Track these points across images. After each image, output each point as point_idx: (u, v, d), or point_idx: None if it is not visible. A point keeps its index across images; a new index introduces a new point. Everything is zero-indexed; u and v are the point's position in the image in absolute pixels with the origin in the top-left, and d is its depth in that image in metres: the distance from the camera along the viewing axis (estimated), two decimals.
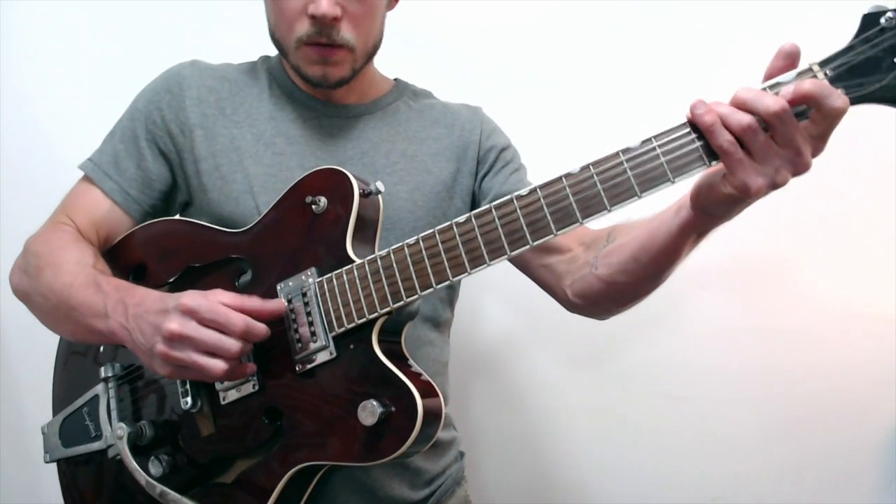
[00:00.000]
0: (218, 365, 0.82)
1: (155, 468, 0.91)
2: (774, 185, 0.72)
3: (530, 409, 1.58)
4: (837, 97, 0.67)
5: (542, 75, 1.56)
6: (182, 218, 1.06)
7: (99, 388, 1.00)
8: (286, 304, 0.89)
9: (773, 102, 0.68)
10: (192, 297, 0.83)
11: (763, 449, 1.46)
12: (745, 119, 0.70)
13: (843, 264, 1.43)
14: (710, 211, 0.78)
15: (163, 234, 1.03)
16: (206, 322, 0.82)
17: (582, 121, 1.51)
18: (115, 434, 0.92)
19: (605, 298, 0.99)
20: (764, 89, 0.72)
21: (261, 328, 0.86)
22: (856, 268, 1.43)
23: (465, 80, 1.46)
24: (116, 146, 1.08)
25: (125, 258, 1.04)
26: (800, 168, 0.72)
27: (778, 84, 0.72)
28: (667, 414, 1.50)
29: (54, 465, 1.06)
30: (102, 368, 0.97)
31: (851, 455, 1.45)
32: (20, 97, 1.64)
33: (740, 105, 0.70)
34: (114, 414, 0.96)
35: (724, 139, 0.70)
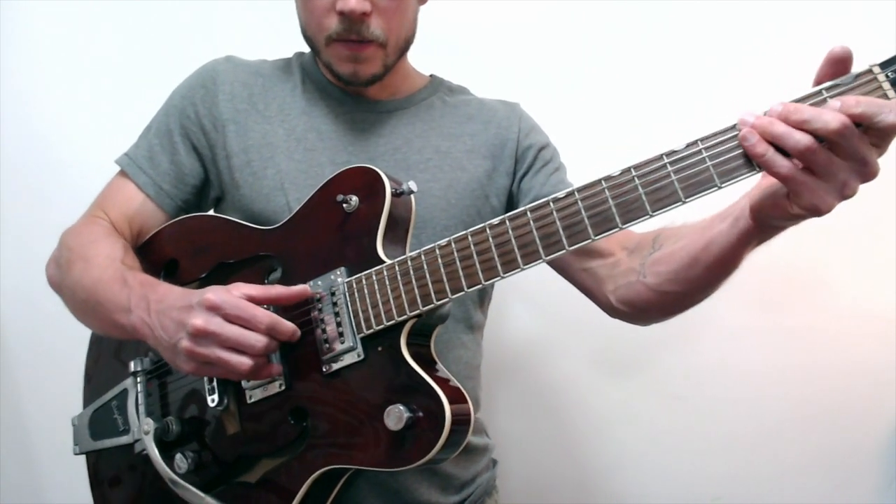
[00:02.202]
0: (243, 361, 0.81)
1: (180, 464, 0.90)
2: (844, 197, 0.67)
3: (527, 408, 1.56)
4: (889, 112, 0.62)
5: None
6: (214, 214, 1.05)
7: (128, 381, 0.99)
8: (309, 288, 0.87)
9: (832, 119, 0.63)
10: (216, 293, 0.82)
11: (763, 449, 1.46)
12: (802, 140, 0.65)
13: (843, 265, 1.42)
14: (773, 224, 0.75)
15: (195, 230, 1.03)
16: (230, 318, 0.81)
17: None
18: (141, 429, 0.92)
19: (653, 308, 0.96)
20: (819, 92, 0.67)
21: (286, 325, 0.85)
22: (856, 268, 1.42)
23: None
24: (151, 141, 1.08)
25: (157, 253, 1.04)
26: (868, 175, 0.67)
27: (836, 86, 0.67)
28: (667, 414, 1.50)
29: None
30: (132, 363, 0.97)
31: (851, 455, 1.44)
32: (20, 97, 1.64)
33: (797, 126, 0.65)
34: (141, 409, 0.96)
35: (781, 166, 0.66)
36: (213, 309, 0.81)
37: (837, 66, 0.68)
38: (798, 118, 0.65)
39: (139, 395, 0.96)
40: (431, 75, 1.19)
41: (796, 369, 1.44)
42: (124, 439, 0.98)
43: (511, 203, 1.12)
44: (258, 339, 0.82)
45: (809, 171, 0.66)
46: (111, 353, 1.06)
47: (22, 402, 1.63)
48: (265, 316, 0.82)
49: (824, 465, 1.45)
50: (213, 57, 1.13)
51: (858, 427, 1.44)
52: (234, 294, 0.83)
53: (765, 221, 0.74)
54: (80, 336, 1.10)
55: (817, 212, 0.67)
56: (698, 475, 1.48)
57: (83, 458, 1.06)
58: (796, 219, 0.71)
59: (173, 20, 1.64)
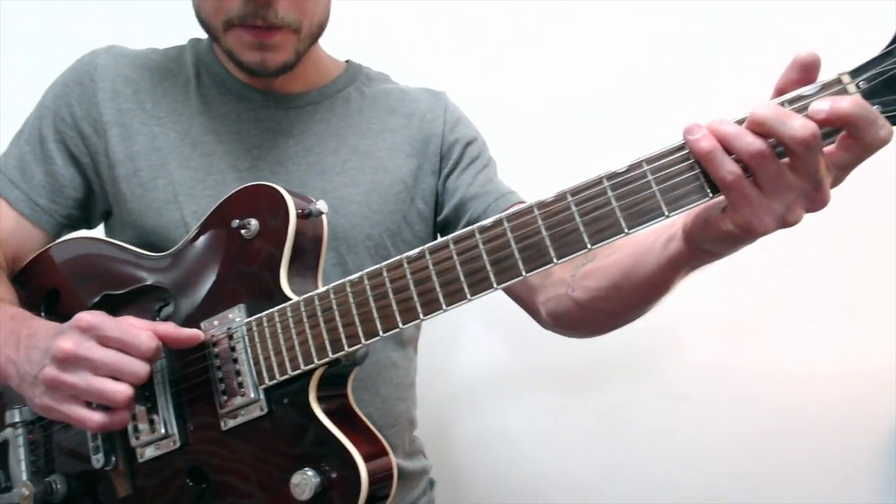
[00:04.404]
0: (119, 389, 0.69)
1: None
2: (784, 224, 0.58)
3: (525, 409, 1.51)
4: (882, 125, 0.53)
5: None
6: (96, 237, 0.91)
7: (8, 432, 0.87)
8: (202, 333, 0.76)
9: (800, 126, 0.53)
10: (94, 314, 0.70)
11: (763, 449, 1.44)
12: (755, 144, 0.56)
13: (843, 263, 1.39)
14: (705, 248, 0.64)
15: (77, 255, 0.89)
16: (108, 341, 0.69)
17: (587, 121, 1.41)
18: (20, 493, 0.80)
19: (582, 324, 0.87)
20: (781, 104, 0.58)
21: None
22: (856, 267, 1.39)
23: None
24: (23, 149, 0.94)
25: (37, 282, 0.91)
26: (817, 204, 0.58)
27: (800, 98, 0.57)
28: (667, 414, 1.47)
29: None
30: (8, 413, 0.85)
31: (851, 455, 1.43)
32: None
33: (756, 126, 0.56)
34: (22, 465, 0.83)
35: (727, 170, 0.56)
36: (89, 330, 0.69)
37: (802, 73, 0.58)
38: (758, 118, 0.55)
39: (21, 449, 0.84)
40: (348, 61, 1.05)
41: (796, 369, 1.41)
42: (6, 498, 0.86)
43: (438, 206, 1.01)
44: (141, 366, 0.70)
45: (755, 184, 0.57)
46: None
47: None
48: (150, 338, 0.70)
49: (824, 465, 1.42)
50: None
51: (858, 427, 1.41)
52: (118, 318, 0.72)
53: (696, 244, 0.64)
54: None
55: (751, 230, 0.58)
56: (698, 475, 1.46)
57: None
58: (727, 240, 0.61)
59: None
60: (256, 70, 0.88)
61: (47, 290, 0.89)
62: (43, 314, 0.89)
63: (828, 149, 0.57)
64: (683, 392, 1.45)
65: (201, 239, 0.81)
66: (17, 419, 0.84)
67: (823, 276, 1.39)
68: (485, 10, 1.45)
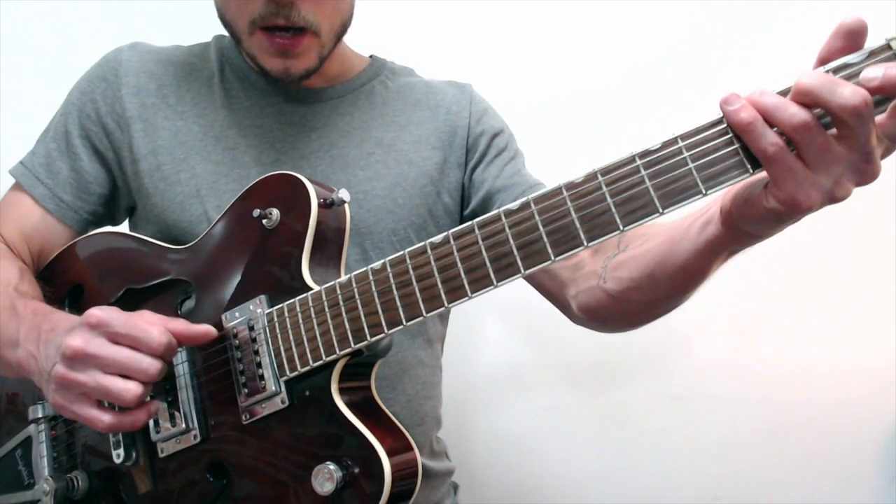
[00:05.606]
0: (128, 388, 0.67)
1: None
2: (832, 199, 0.54)
3: (527, 408, 1.50)
4: None
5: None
6: (118, 231, 0.91)
7: (31, 428, 0.86)
8: (215, 330, 0.74)
9: (851, 94, 0.50)
10: (104, 309, 0.68)
11: (763, 449, 1.43)
12: (798, 115, 0.52)
13: (843, 265, 1.38)
14: (746, 229, 0.60)
15: (100, 251, 0.88)
16: (118, 338, 0.67)
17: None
18: (41, 489, 0.79)
19: (615, 317, 0.83)
20: (826, 73, 0.54)
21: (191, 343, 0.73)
22: (856, 267, 1.37)
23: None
24: (49, 146, 0.94)
25: (61, 277, 0.90)
26: (867, 177, 0.54)
27: (846, 66, 0.54)
28: (667, 414, 1.46)
29: None
30: (31, 408, 0.84)
31: (851, 455, 1.43)
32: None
33: (802, 96, 0.52)
34: (44, 461, 0.82)
35: (769, 142, 0.53)
36: (98, 327, 0.67)
37: (848, 41, 0.54)
38: (804, 87, 0.52)
39: (41, 445, 0.83)
40: (372, 56, 1.04)
41: (796, 369, 1.39)
42: (28, 495, 0.85)
43: (464, 199, 0.98)
44: (151, 363, 0.68)
45: (800, 157, 0.53)
46: (11, 392, 0.92)
47: None
48: (161, 335, 0.68)
49: (824, 465, 1.41)
50: None
51: (858, 427, 1.40)
52: (129, 314, 0.70)
53: (736, 225, 0.60)
54: None
55: (796, 207, 0.54)
56: (698, 475, 1.44)
57: None
58: (770, 218, 0.57)
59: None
60: (280, 77, 0.87)
61: (71, 285, 0.89)
62: (67, 310, 0.88)
63: (878, 118, 0.53)
64: (683, 392, 1.44)
65: (223, 230, 0.80)
66: (39, 414, 0.83)
67: (824, 277, 1.38)
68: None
